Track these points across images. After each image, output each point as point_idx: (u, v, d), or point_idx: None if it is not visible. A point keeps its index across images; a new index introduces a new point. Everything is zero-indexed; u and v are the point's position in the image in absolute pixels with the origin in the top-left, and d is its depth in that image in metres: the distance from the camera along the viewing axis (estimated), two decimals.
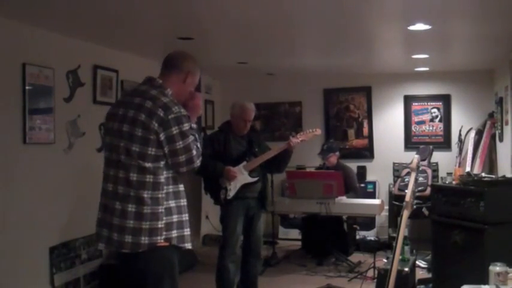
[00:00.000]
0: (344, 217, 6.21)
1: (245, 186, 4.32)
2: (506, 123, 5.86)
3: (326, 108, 7.85)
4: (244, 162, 4.34)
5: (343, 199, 5.92)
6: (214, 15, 4.09)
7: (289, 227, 7.39)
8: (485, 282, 2.97)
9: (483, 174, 4.63)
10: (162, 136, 2.50)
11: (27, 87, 4.13)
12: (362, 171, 7.54)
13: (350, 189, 6.21)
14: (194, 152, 2.59)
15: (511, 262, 3.02)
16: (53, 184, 4.42)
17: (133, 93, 2.68)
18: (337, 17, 4.16)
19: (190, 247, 2.65)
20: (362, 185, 7.39)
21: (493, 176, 4.74)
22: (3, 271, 3.94)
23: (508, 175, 4.95)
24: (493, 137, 6.66)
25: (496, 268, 2.92)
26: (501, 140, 6.23)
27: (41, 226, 4.29)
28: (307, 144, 5.04)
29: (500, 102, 6.17)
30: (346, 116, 7.80)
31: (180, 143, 2.53)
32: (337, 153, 6.52)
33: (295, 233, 7.17)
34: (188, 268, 5.84)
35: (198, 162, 2.64)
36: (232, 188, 4.28)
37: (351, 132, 7.79)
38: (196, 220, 7.05)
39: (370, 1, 3.68)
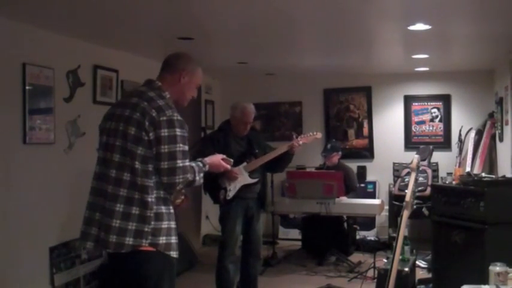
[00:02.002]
0: (344, 217, 6.20)
1: (245, 187, 4.32)
2: (506, 123, 5.86)
3: (326, 108, 7.85)
4: (244, 163, 4.34)
5: (344, 199, 5.91)
6: (214, 15, 4.09)
7: (289, 227, 7.39)
8: (485, 282, 2.97)
9: (483, 174, 4.62)
10: (151, 136, 2.44)
11: (27, 87, 4.12)
12: (362, 171, 7.54)
13: (351, 190, 6.20)
14: (179, 164, 2.45)
15: (511, 262, 3.03)
16: (53, 184, 4.42)
17: (132, 94, 2.68)
18: (337, 17, 4.16)
19: (176, 256, 2.55)
20: (362, 185, 7.39)
21: (493, 176, 4.74)
22: (3, 271, 3.94)
23: (508, 175, 4.95)
24: (493, 137, 6.66)
25: (496, 268, 2.92)
26: (501, 140, 6.23)
27: (41, 226, 4.28)
28: (308, 145, 5.02)
29: (500, 102, 6.17)
30: (346, 116, 7.80)
31: (166, 147, 2.43)
32: (340, 153, 6.54)
33: (295, 233, 7.17)
34: (188, 268, 5.84)
35: (180, 180, 2.47)
36: (232, 189, 4.28)
37: (351, 132, 7.79)
38: (196, 220, 7.05)
39: (370, 1, 3.68)
